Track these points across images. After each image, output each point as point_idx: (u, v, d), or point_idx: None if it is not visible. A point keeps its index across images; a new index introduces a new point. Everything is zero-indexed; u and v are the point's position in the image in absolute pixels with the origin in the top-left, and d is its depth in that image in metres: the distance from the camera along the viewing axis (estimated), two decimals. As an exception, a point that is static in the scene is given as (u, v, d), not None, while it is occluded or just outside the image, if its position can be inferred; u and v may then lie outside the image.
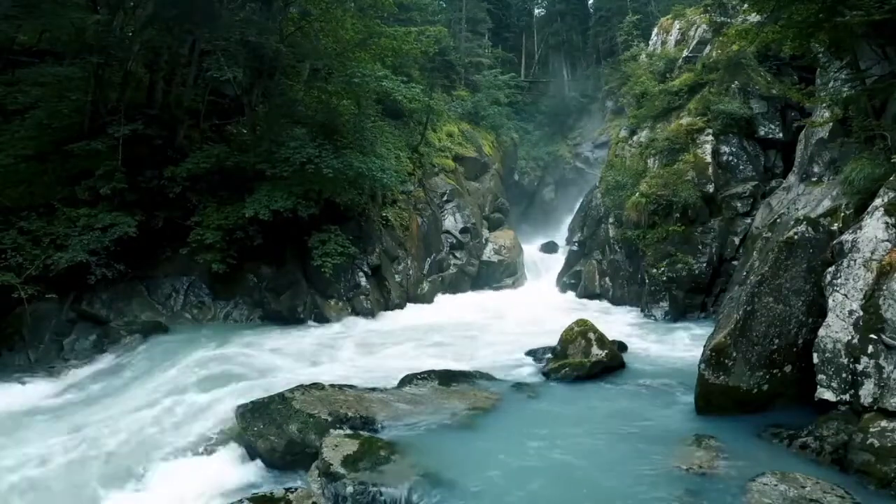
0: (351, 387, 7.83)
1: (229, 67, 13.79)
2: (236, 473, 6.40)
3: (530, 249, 23.19)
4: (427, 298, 17.72)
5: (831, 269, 6.78)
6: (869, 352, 6.03)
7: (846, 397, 6.14)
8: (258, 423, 6.67)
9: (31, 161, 11.76)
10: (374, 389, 7.92)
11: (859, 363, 6.07)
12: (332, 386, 7.66)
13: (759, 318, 7.11)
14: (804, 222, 7.73)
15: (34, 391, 9.09)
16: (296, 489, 5.57)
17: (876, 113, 9.22)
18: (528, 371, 9.67)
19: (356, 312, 14.38)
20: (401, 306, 16.16)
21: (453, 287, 19.37)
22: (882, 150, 8.42)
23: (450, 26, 30.54)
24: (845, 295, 6.47)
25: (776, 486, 5.12)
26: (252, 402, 7.05)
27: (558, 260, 21.83)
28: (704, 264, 14.42)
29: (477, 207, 22.73)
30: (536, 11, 42.69)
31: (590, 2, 40.23)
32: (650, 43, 23.86)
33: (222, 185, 13.35)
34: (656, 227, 15.16)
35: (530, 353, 10.52)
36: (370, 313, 14.62)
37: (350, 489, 5.25)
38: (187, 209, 12.94)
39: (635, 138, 18.98)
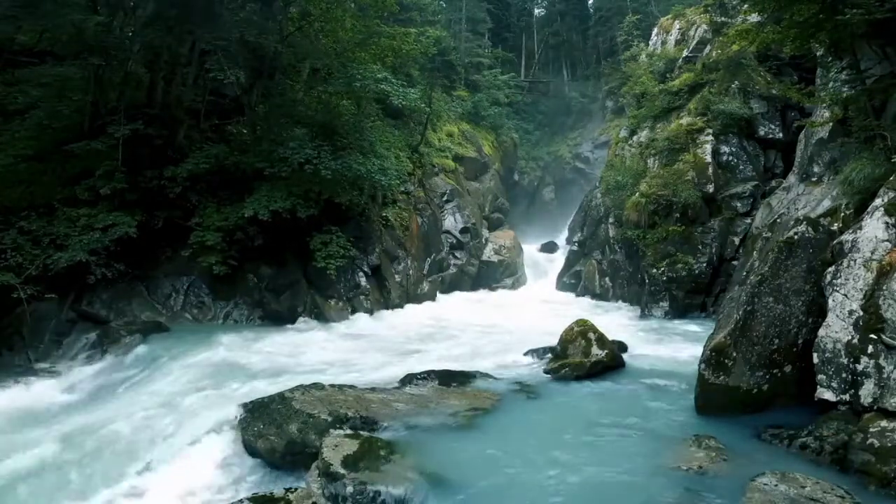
0: (351, 387, 7.82)
1: (229, 67, 13.79)
2: (236, 473, 6.40)
3: (530, 249, 23.20)
4: (427, 298, 17.74)
5: (831, 269, 6.77)
6: (869, 352, 6.02)
7: (846, 397, 6.14)
8: (258, 423, 6.67)
9: (31, 161, 11.76)
10: (374, 389, 7.90)
11: (859, 363, 6.07)
12: (332, 386, 7.65)
13: (759, 318, 7.10)
14: (804, 222, 7.72)
15: (34, 391, 9.09)
16: (296, 489, 5.58)
17: (876, 113, 9.21)
18: (527, 371, 9.64)
19: (356, 312, 14.40)
20: (401, 306, 16.18)
21: (453, 287, 19.40)
22: (882, 150, 8.40)
23: (450, 26, 30.58)
24: (845, 295, 6.46)
25: (776, 486, 5.12)
26: (252, 402, 7.04)
27: (558, 260, 21.86)
28: (704, 264, 14.43)
29: (477, 207, 22.73)
30: (536, 11, 42.76)
31: (590, 2, 40.23)
32: (650, 43, 23.87)
33: (222, 186, 13.36)
34: (656, 227, 15.17)
35: (530, 352, 10.48)
36: (370, 313, 14.64)
37: (350, 489, 5.24)
38: (187, 209, 12.94)
39: (635, 138, 18.99)
